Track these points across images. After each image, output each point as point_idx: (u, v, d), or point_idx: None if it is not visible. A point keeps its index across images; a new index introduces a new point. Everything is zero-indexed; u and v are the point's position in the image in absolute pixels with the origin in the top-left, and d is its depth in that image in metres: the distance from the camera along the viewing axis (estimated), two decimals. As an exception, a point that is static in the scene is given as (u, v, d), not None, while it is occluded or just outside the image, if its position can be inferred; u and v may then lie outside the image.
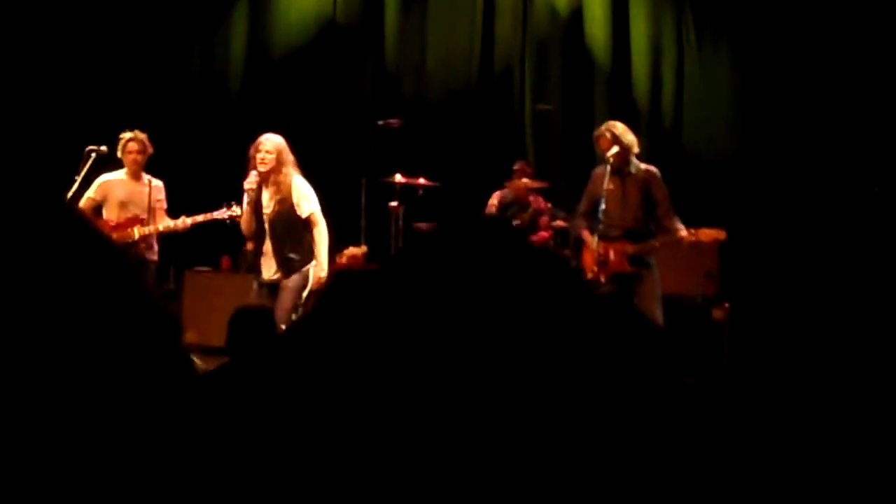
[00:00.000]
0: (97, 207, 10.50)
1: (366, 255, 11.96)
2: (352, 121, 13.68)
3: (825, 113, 12.97)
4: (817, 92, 13.00)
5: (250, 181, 9.75)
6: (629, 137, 9.75)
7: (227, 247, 12.08)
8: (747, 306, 11.48)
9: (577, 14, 13.87)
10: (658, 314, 9.44)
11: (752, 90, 13.37)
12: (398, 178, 12.05)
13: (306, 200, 9.83)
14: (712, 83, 13.62)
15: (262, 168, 9.65)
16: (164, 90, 13.65)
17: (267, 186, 9.76)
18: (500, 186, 12.38)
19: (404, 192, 12.16)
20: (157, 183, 10.65)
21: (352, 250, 11.89)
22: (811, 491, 2.13)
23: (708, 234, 9.51)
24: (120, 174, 10.55)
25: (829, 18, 12.95)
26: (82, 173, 10.06)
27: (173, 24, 13.67)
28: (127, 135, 10.50)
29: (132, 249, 10.25)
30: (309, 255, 9.82)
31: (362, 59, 14.10)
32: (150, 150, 10.56)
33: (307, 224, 9.84)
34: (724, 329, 11.20)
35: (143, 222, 10.41)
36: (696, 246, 9.73)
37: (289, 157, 9.76)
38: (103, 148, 10.22)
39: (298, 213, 9.77)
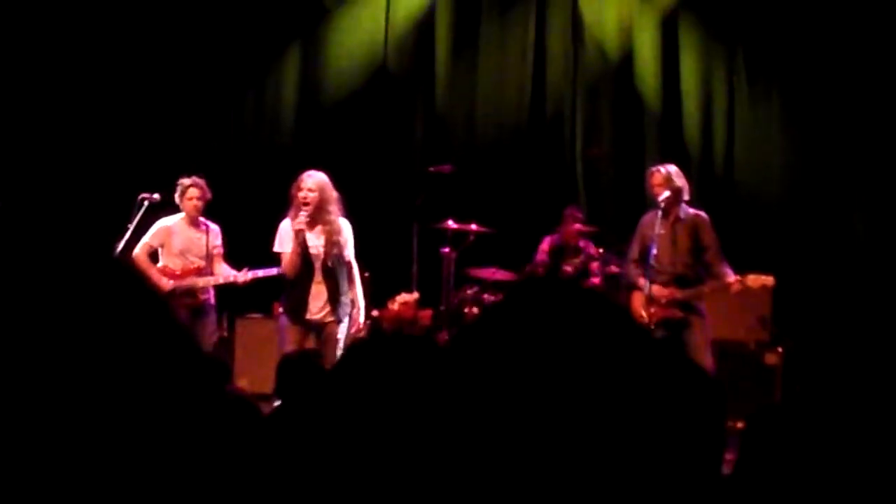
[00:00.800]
0: (153, 252, 10.47)
1: (418, 302, 11.96)
2: (403, 167, 13.71)
3: (876, 158, 12.91)
4: (868, 137, 12.94)
5: (300, 221, 9.71)
6: (681, 182, 9.76)
7: (279, 293, 12.12)
8: (801, 351, 11.40)
9: (627, 59, 13.87)
10: (708, 360, 9.42)
11: (803, 135, 13.32)
12: (450, 223, 12.04)
13: (350, 242, 9.88)
14: (763, 128, 13.58)
15: (305, 207, 9.61)
16: (217, 136, 13.74)
17: (312, 226, 9.73)
18: (551, 232, 12.37)
19: (456, 237, 12.15)
20: (214, 228, 10.65)
21: (404, 297, 11.89)
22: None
23: (756, 280, 9.46)
24: (177, 219, 10.52)
25: (878, 64, 12.90)
26: (135, 221, 10.08)
27: (226, 70, 13.76)
28: (186, 181, 10.47)
29: (195, 298, 10.33)
30: (351, 299, 9.93)
31: (413, 104, 14.15)
32: (209, 195, 10.54)
33: (349, 266, 9.93)
34: (777, 374, 11.14)
35: (203, 271, 10.41)
36: (748, 291, 9.68)
37: (333, 194, 9.74)
38: (156, 196, 10.24)
39: (345, 254, 9.82)
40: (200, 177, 10.56)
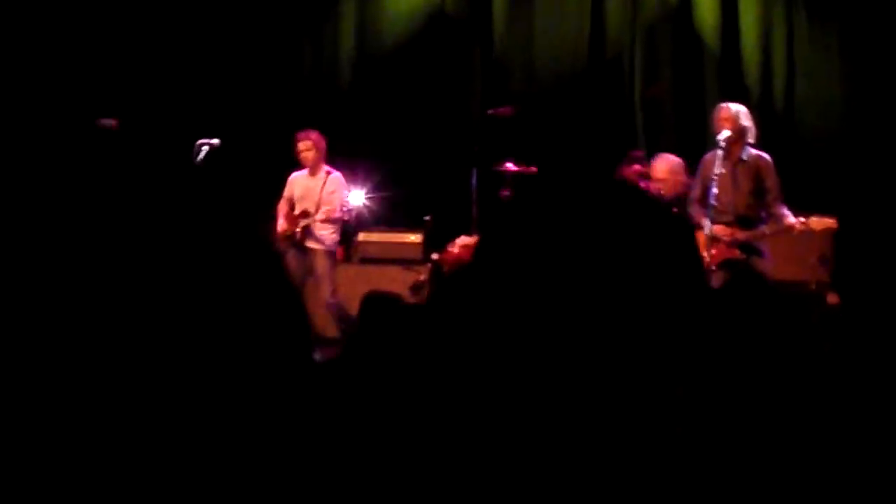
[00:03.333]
0: (292, 199, 11.38)
1: (478, 244, 11.97)
2: (462, 110, 13.71)
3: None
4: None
5: None
6: (747, 123, 9.70)
7: (340, 237, 12.20)
8: (861, 291, 11.34)
9: (686, -1, 13.79)
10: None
11: (864, 71, 13.18)
12: (509, 166, 12.02)
13: None
14: (824, 65, 13.45)
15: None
16: (276, 83, 13.77)
17: None
18: (612, 172, 12.32)
19: (516, 180, 12.14)
20: (334, 175, 11.32)
21: (464, 239, 11.91)
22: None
23: (819, 222, 9.42)
24: (303, 171, 11.37)
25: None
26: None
27: (283, 17, 13.78)
28: (298, 135, 11.30)
29: (294, 239, 11.15)
30: None
31: (471, 48, 14.11)
32: (322, 145, 11.28)
33: None
34: (839, 314, 11.08)
35: (306, 214, 11.19)
36: (810, 232, 9.63)
37: None
38: (215, 141, 10.31)
39: None
40: (313, 130, 11.32)
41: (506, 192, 11.88)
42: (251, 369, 1.62)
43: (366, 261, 12.34)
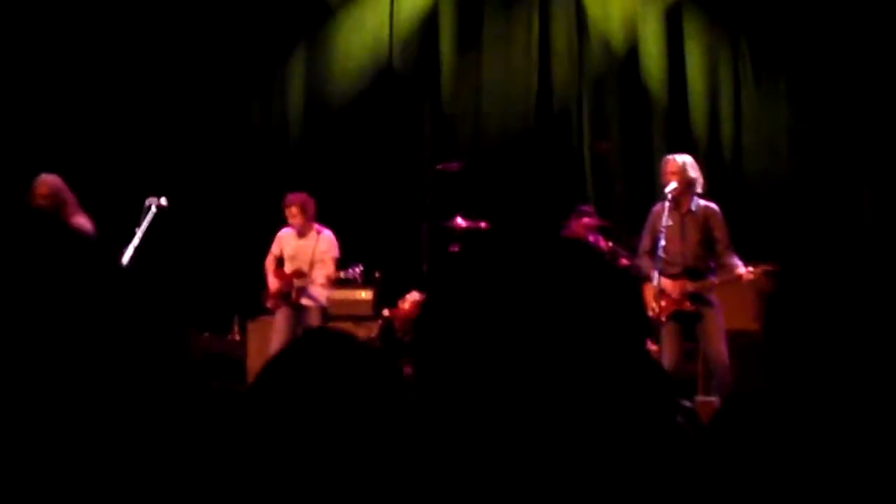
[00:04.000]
0: (280, 257, 11.36)
1: (429, 300, 11.92)
2: (411, 165, 13.73)
3: (885, 140, 12.86)
4: (876, 120, 12.90)
5: None
6: (694, 174, 9.69)
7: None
8: (808, 336, 11.37)
9: (632, 51, 13.87)
10: (723, 351, 9.38)
11: (810, 121, 13.28)
12: (459, 221, 12.00)
13: None
14: (770, 115, 13.55)
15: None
16: (225, 139, 13.76)
17: None
18: (560, 227, 12.33)
19: (465, 235, 12.12)
20: (325, 235, 11.29)
21: (415, 295, 11.90)
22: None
23: (767, 271, 9.42)
24: (291, 230, 11.30)
25: (884, 47, 12.86)
26: (143, 226, 10.00)
27: (231, 72, 13.78)
28: (287, 199, 11.22)
29: (289, 299, 11.18)
30: None
31: (419, 103, 14.16)
32: (310, 207, 11.21)
33: None
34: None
35: (300, 273, 11.17)
36: (759, 281, 9.63)
37: (66, 196, 9.68)
38: (163, 201, 10.17)
39: None
40: (299, 193, 11.24)
41: (455, 248, 11.89)
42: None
43: (316, 318, 12.30)
